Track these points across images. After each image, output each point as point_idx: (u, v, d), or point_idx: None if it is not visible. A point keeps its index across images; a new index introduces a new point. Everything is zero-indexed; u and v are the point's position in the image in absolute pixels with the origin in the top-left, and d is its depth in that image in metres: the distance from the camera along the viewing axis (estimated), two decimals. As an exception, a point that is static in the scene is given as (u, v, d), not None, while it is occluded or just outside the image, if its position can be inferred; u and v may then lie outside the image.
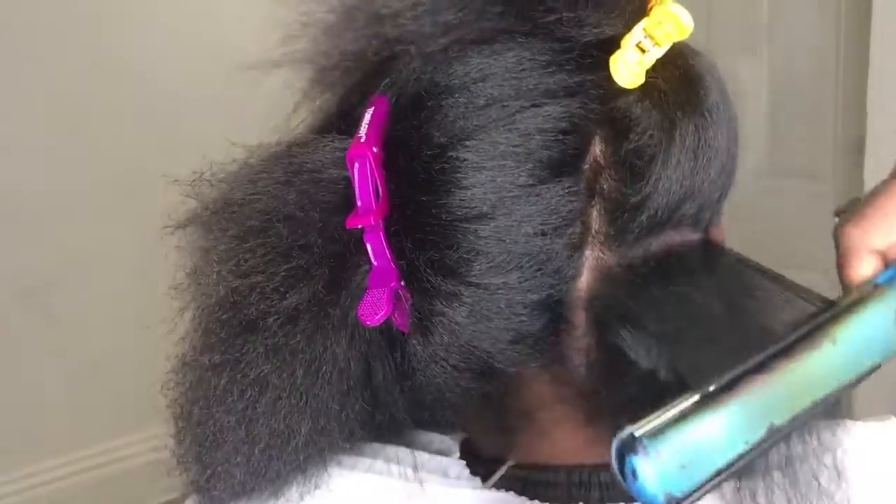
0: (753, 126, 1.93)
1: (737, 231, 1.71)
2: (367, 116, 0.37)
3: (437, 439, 0.45)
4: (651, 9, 0.37)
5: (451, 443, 0.45)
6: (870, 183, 1.56)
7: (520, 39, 0.35)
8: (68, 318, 1.86)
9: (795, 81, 1.85)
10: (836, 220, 1.53)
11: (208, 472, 0.38)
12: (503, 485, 0.40)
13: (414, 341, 0.37)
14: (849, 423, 0.42)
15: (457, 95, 0.35)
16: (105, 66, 1.82)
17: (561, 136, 0.35)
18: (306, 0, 0.39)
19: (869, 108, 1.50)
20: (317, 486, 0.40)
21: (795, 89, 1.85)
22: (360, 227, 0.36)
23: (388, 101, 0.37)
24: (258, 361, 0.36)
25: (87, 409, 1.93)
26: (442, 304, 0.36)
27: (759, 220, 1.98)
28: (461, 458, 0.43)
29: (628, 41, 0.35)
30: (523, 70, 0.35)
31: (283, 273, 0.36)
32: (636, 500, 0.39)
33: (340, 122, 0.39)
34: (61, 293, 1.85)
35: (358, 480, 0.41)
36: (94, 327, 1.88)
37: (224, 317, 0.37)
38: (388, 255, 0.36)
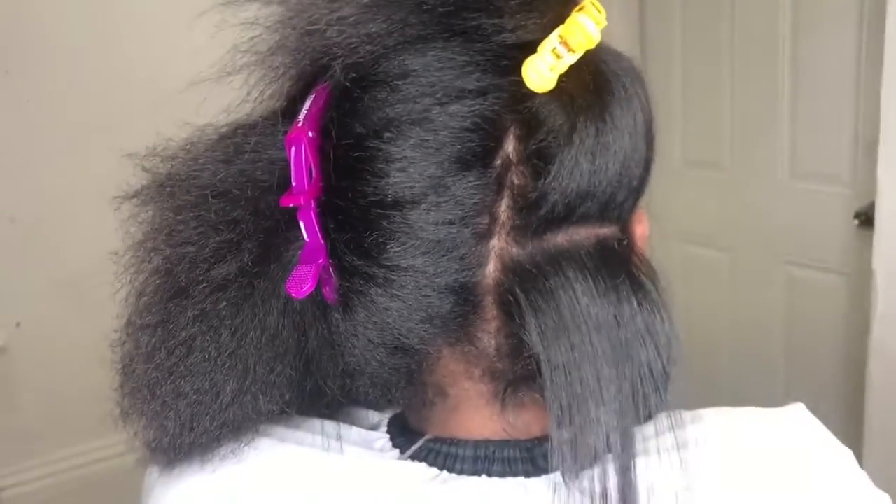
0: (776, 129, 1.92)
1: (758, 231, 1.73)
2: (308, 103, 0.39)
3: (372, 415, 0.48)
4: (569, 16, 0.39)
5: (383, 418, 0.48)
6: (883, 186, 1.54)
7: (441, 43, 0.38)
8: (99, 306, 1.92)
9: (817, 85, 1.83)
10: (856, 221, 1.54)
11: (145, 420, 0.42)
12: (418, 457, 0.43)
13: (337, 315, 0.40)
14: (702, 411, 0.44)
15: (377, 90, 0.38)
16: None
17: (469, 133, 0.37)
18: (253, 10, 0.42)
19: (882, 110, 1.49)
20: (246, 444, 0.43)
21: (816, 93, 1.83)
22: (292, 205, 0.38)
23: (329, 90, 0.40)
24: (187, 325, 0.39)
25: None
26: (359, 282, 0.39)
27: (780, 221, 1.96)
28: (388, 431, 0.46)
29: (545, 46, 0.37)
30: (442, 69, 0.37)
31: (214, 245, 0.39)
32: (535, 476, 0.42)
33: (287, 108, 0.42)
34: (92, 283, 1.91)
35: (280, 450, 0.44)
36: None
37: (157, 282, 0.41)
38: (318, 233, 0.39)
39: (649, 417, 0.40)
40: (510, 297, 0.38)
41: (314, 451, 0.43)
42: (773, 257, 2.00)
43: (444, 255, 0.37)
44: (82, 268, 1.91)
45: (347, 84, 0.38)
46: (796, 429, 0.44)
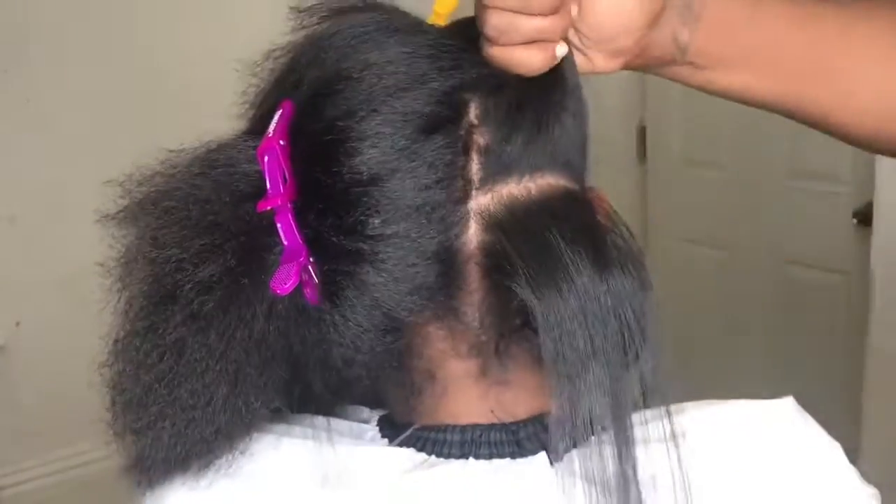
0: (775, 129, 1.92)
1: (758, 230, 1.73)
2: (276, 117, 0.42)
3: (362, 411, 0.50)
4: None
5: (373, 415, 0.49)
6: (881, 184, 1.55)
7: (397, 35, 0.42)
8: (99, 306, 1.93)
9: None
10: (854, 220, 1.55)
11: (139, 438, 0.42)
12: (406, 444, 0.44)
13: (323, 307, 0.42)
14: (685, 404, 0.45)
15: (344, 83, 0.41)
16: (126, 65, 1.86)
17: (435, 104, 0.41)
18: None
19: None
20: (241, 452, 0.43)
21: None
22: (269, 209, 0.40)
23: (294, 103, 0.43)
24: (175, 327, 0.40)
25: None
26: (347, 262, 0.41)
27: (779, 220, 1.97)
28: (377, 425, 0.47)
29: None
30: (401, 57, 0.41)
31: (197, 247, 0.40)
32: (521, 458, 0.43)
33: (256, 125, 0.44)
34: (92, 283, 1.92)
35: (273, 455, 0.44)
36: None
37: (146, 287, 0.42)
38: (297, 233, 0.41)
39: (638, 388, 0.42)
40: (497, 248, 0.41)
41: (306, 443, 0.44)
42: (772, 256, 2.00)
43: (425, 219, 0.40)
44: (82, 268, 1.92)
45: (319, 86, 0.42)
46: (785, 422, 0.45)
